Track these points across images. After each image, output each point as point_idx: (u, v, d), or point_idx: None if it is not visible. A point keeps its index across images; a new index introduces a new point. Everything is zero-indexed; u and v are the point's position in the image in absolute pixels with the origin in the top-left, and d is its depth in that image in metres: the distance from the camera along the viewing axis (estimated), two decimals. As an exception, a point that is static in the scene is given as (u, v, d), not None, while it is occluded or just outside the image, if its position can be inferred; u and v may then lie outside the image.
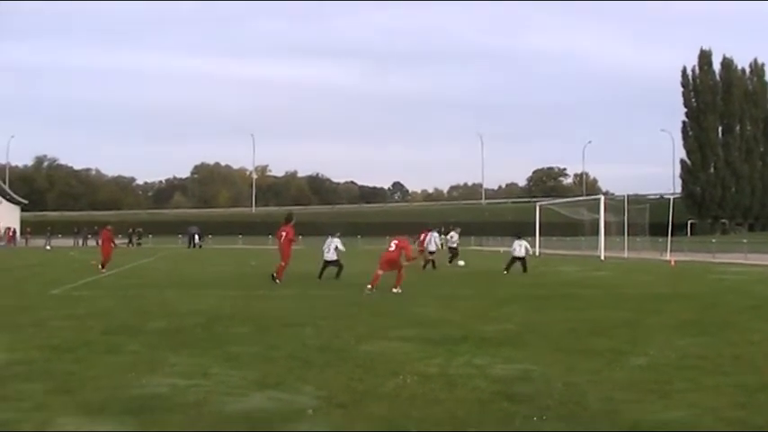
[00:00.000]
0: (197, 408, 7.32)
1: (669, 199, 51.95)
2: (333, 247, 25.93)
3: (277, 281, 23.62)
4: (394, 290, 20.70)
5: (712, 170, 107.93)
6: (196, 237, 72.51)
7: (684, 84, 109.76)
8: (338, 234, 27.10)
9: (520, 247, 29.74)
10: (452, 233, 37.58)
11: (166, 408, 7.32)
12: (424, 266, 31.76)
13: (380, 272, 21.48)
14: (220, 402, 7.54)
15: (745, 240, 47.59)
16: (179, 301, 18.34)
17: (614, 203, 52.34)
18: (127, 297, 19.23)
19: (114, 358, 10.04)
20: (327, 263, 25.98)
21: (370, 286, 20.90)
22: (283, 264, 24.24)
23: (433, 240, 34.03)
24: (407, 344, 11.36)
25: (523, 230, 56.91)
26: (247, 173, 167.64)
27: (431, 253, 33.34)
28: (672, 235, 46.47)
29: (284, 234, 24.64)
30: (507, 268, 29.28)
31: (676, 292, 21.84)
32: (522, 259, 29.57)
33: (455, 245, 37.35)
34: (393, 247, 21.67)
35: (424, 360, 9.93)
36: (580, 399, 7.79)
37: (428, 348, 10.92)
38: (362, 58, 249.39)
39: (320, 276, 25.33)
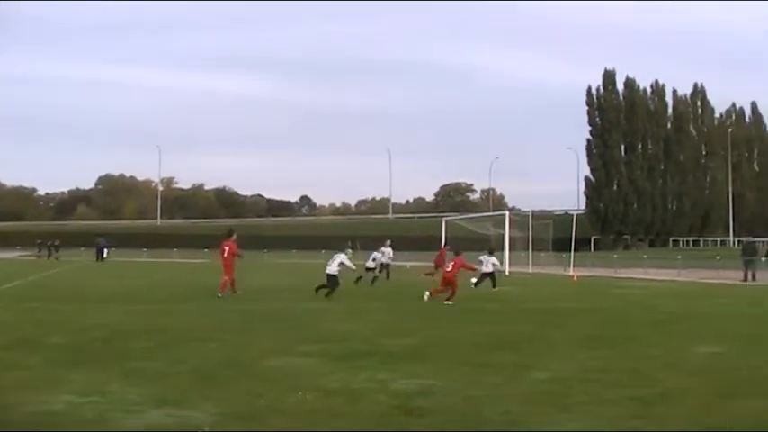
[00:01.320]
0: (93, 425, 7.18)
1: (573, 215, 52.96)
2: (337, 261, 23.81)
3: (219, 294, 23.39)
4: (447, 302, 21.78)
5: (615, 187, 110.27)
6: (104, 249, 70.98)
7: (589, 103, 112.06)
8: (348, 248, 25.42)
9: (487, 263, 29.78)
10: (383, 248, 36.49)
11: (62, 426, 7.18)
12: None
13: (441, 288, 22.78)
14: (117, 420, 7.40)
15: (645, 256, 48.85)
16: (81, 314, 17.92)
17: (519, 219, 53.10)
18: (26, 310, 18.77)
19: (10, 374, 9.79)
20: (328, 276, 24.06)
21: (428, 294, 22.56)
22: (226, 278, 23.99)
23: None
24: (312, 359, 11.33)
25: (429, 245, 57.16)
26: (153, 185, 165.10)
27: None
28: (575, 250, 47.34)
29: (226, 249, 24.41)
30: (477, 284, 29.60)
31: (579, 306, 22.26)
32: (491, 274, 29.74)
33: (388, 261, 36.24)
34: (450, 267, 22.91)
35: (327, 375, 9.92)
36: (479, 412, 7.88)
37: (332, 363, 10.91)
38: (271, 70, 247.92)
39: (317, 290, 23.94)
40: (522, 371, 10.52)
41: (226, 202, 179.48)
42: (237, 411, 7.74)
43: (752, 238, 45.31)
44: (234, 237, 24.82)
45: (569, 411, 8.08)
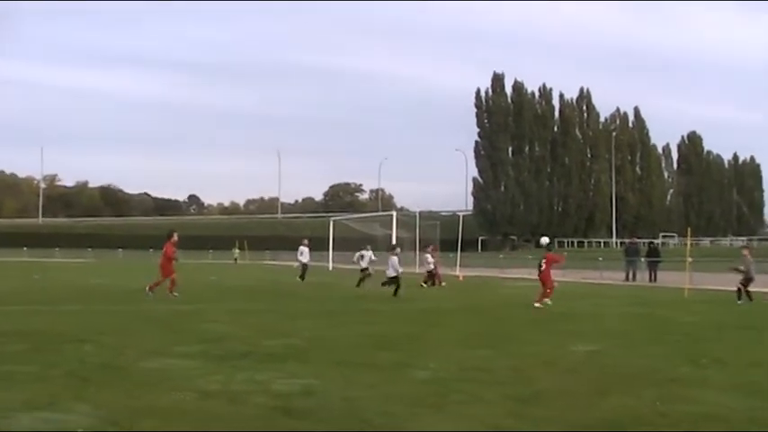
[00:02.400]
0: (-43, 431, 6.94)
1: (459, 216, 53.59)
2: (368, 257, 29.63)
3: (149, 293, 23.38)
4: (537, 304, 21.50)
5: (503, 188, 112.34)
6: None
7: (478, 105, 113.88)
8: (368, 246, 31.34)
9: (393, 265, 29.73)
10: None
11: None
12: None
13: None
14: (-17, 425, 7.16)
15: (530, 256, 49.60)
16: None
17: (407, 219, 53.54)
18: None
19: None
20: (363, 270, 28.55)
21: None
22: (161, 279, 23.93)
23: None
24: (191, 360, 11.14)
25: (317, 245, 57.13)
26: (35, 182, 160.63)
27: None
28: (462, 250, 47.85)
29: (166, 250, 24.02)
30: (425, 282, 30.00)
31: (462, 306, 22.48)
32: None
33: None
34: (544, 266, 22.56)
35: (205, 376, 9.76)
36: (358, 413, 7.87)
37: (211, 364, 10.75)
38: (160, 68, 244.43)
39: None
40: (401, 371, 10.54)
41: (111, 200, 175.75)
42: (112, 414, 7.55)
43: (635, 239, 46.52)
44: (173, 238, 24.42)
45: (445, 411, 8.12)
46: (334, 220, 58.20)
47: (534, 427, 7.57)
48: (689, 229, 34.86)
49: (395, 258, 26.24)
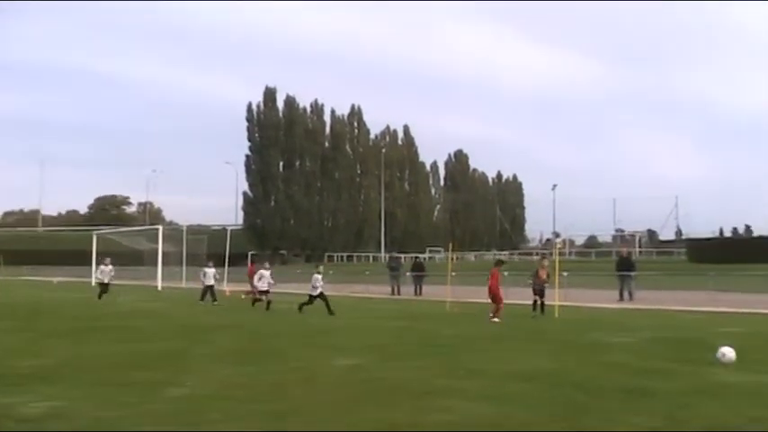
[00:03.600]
0: None
1: (227, 230, 53.17)
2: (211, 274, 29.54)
3: None
4: (495, 319, 21.65)
5: (273, 203, 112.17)
6: None
7: (249, 119, 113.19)
8: (210, 263, 32.03)
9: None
10: None
11: None
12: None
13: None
14: None
15: (299, 270, 49.90)
16: None
17: (173, 233, 52.58)
18: None
19: None
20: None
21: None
22: None
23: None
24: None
25: (82, 260, 54.92)
26: None
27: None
28: (232, 265, 47.35)
29: None
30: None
31: (226, 322, 22.08)
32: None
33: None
34: (490, 281, 22.81)
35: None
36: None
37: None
38: None
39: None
40: (157, 389, 10.28)
41: None
42: None
43: (396, 254, 47.65)
44: None
45: (199, 428, 7.97)
46: (98, 234, 56.42)
47: None
48: (451, 243, 35.92)
49: (317, 276, 25.27)
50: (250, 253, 54.65)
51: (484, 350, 15.07)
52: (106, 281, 33.61)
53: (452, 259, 39.47)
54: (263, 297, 28.20)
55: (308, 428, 8.14)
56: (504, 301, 22.70)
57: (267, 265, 31.13)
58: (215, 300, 30.15)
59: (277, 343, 16.51)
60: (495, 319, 21.64)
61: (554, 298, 23.87)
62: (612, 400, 9.70)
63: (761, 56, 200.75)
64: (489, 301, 22.72)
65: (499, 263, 24.92)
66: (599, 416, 8.72)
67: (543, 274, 24.07)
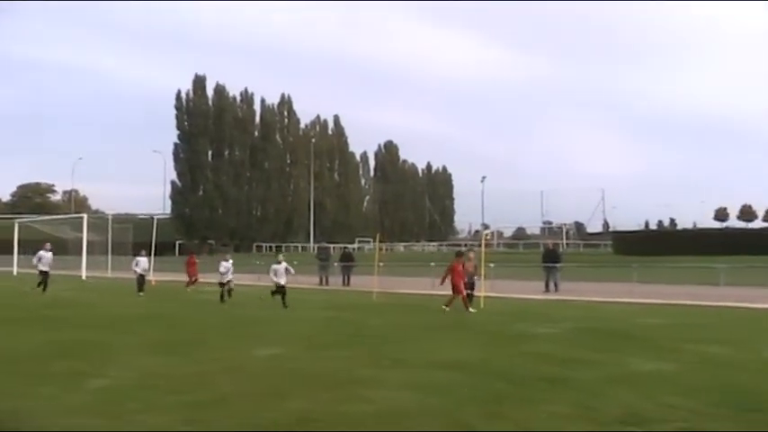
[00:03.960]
0: None
1: (154, 219, 52.44)
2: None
3: None
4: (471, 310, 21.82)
5: (202, 192, 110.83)
6: None
7: (178, 107, 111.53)
8: (143, 251, 31.22)
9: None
10: None
11: None
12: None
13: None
14: None
15: (259, 262, 49.45)
16: None
17: (98, 222, 51.75)
18: None
19: None
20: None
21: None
22: None
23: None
24: None
25: (3, 249, 53.71)
26: None
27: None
28: (159, 254, 46.71)
29: None
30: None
31: (152, 312, 21.85)
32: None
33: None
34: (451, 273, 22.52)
35: None
36: (25, 425, 7.46)
37: None
38: None
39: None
40: (79, 380, 10.22)
41: None
42: None
43: (325, 244, 47.53)
44: None
45: (120, 420, 7.91)
46: (20, 222, 55.38)
47: (212, 430, 7.54)
48: (378, 234, 35.97)
49: (281, 267, 24.58)
50: (188, 242, 53.92)
51: (409, 340, 15.16)
52: (46, 269, 30.81)
53: (381, 250, 39.52)
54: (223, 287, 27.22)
55: (229, 419, 8.11)
56: (432, 293, 22.76)
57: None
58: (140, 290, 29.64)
59: (202, 333, 16.41)
60: (447, 308, 21.73)
61: (480, 289, 24.03)
62: (532, 388, 9.85)
63: (685, 52, 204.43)
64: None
65: (460, 255, 24.30)
66: (517, 404, 8.86)
67: (470, 267, 24.19)
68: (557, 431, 7.83)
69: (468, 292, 23.57)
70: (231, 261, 27.09)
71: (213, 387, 9.86)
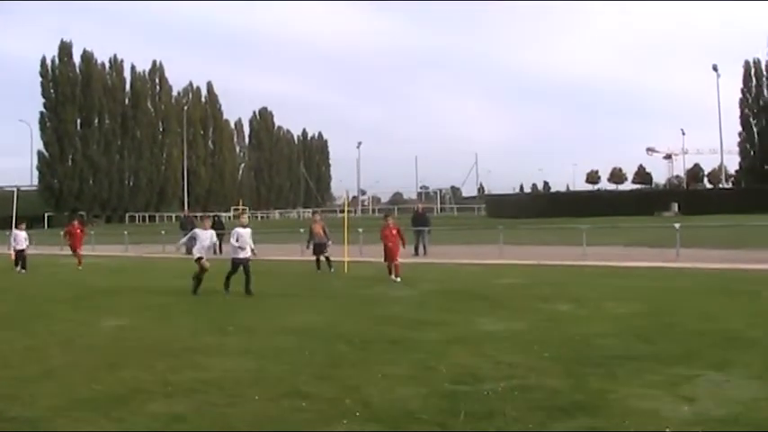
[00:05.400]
0: None
1: (14, 191, 50.86)
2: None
3: None
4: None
5: (70, 163, 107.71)
6: None
7: (43, 74, 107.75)
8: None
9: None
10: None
11: None
12: None
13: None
14: None
15: (92, 232, 48.28)
16: None
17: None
18: None
19: None
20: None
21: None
22: None
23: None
24: None
25: None
26: None
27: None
28: (29, 228, 45.29)
29: None
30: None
31: (3, 286, 21.13)
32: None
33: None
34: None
35: None
36: None
37: None
38: None
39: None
40: None
41: None
42: None
43: (187, 213, 46.93)
44: None
45: None
46: None
47: (33, 403, 7.43)
48: (240, 200, 35.65)
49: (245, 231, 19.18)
50: (58, 215, 52.38)
51: (262, 307, 14.98)
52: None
53: (254, 217, 39.17)
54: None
55: (55, 392, 7.87)
56: (303, 259, 22.66)
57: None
58: (23, 267, 27.63)
59: (48, 306, 15.92)
60: (398, 279, 20.29)
61: (343, 254, 24.04)
62: (374, 351, 9.85)
63: (556, 19, 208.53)
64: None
65: (387, 216, 23.57)
66: (355, 367, 8.83)
67: (318, 229, 24.41)
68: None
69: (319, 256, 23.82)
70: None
71: (44, 360, 9.58)
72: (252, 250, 18.37)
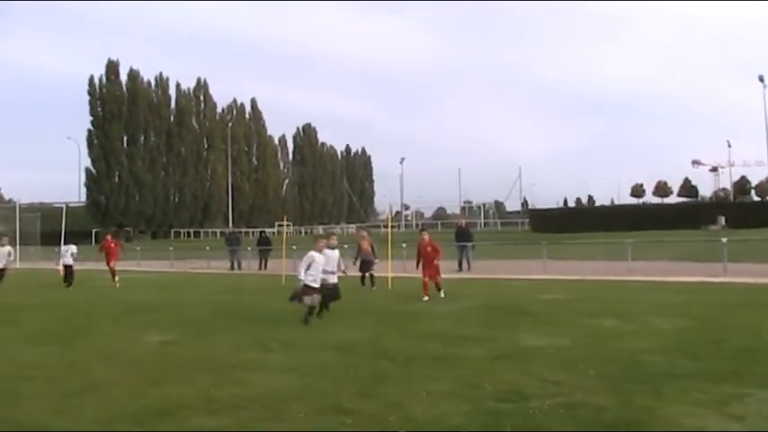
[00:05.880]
0: None
1: (62, 207, 51.47)
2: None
3: None
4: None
5: (117, 179, 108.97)
6: None
7: (91, 92, 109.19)
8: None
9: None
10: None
11: None
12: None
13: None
14: None
15: (138, 248, 48.69)
16: None
17: (4, 212, 50.70)
18: None
19: None
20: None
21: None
22: None
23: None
24: None
25: None
26: None
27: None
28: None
29: None
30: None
31: (42, 301, 21.23)
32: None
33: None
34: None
35: None
36: None
37: None
38: None
39: None
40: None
41: None
42: None
43: (233, 229, 47.15)
44: None
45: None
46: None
47: (78, 417, 7.50)
48: (284, 216, 35.79)
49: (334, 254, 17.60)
50: (104, 230, 52.94)
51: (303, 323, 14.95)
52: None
53: (292, 234, 39.34)
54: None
55: (99, 406, 7.93)
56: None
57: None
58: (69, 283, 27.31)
59: (92, 322, 16.01)
60: (442, 294, 19.81)
61: (387, 270, 23.98)
62: (417, 368, 9.79)
63: (601, 32, 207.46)
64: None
65: (423, 230, 22.65)
66: (398, 384, 8.79)
67: (366, 246, 24.27)
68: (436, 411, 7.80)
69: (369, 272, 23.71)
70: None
71: (86, 375, 9.63)
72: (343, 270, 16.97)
